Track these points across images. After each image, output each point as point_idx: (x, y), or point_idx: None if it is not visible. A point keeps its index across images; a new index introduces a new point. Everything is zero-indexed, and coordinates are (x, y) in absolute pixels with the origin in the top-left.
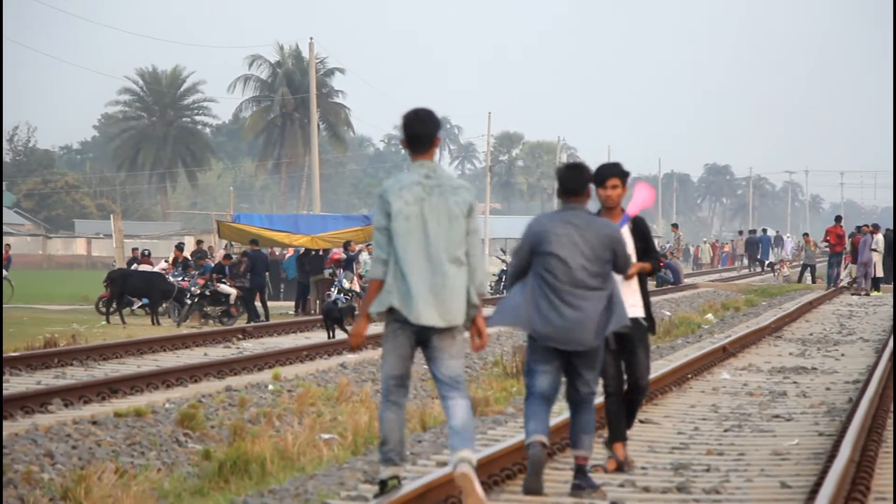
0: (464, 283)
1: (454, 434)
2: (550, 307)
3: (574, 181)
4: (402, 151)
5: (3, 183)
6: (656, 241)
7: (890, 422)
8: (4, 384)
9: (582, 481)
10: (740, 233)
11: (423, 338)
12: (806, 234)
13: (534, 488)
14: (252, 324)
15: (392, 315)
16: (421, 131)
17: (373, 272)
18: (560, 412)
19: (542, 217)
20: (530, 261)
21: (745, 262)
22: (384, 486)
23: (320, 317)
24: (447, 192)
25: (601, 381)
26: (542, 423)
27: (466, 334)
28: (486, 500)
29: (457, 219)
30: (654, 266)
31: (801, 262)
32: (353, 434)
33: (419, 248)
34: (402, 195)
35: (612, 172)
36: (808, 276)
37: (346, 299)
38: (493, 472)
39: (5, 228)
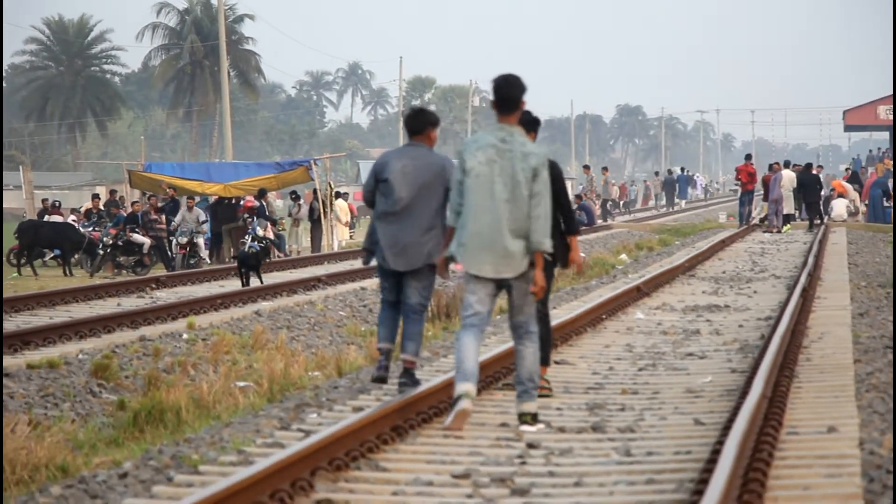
0: (523, 243)
1: (518, 383)
2: (387, 231)
3: (415, 122)
4: (315, 98)
5: None
6: (570, 183)
7: (801, 357)
8: None
9: (406, 379)
10: (656, 173)
11: (502, 284)
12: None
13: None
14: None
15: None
16: (509, 95)
17: (448, 220)
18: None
19: (386, 152)
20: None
21: (664, 202)
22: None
23: (234, 265)
24: (517, 157)
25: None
26: (390, 330)
27: None
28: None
29: (520, 184)
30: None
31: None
32: (269, 381)
33: (483, 205)
34: (477, 155)
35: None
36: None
37: (260, 247)
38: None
39: None
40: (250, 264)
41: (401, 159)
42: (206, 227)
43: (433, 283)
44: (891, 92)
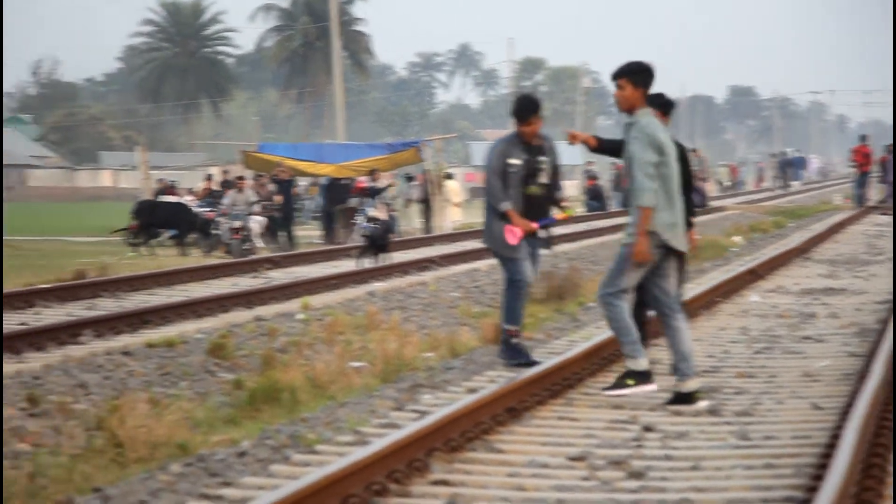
0: None
1: (682, 360)
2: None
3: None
4: (425, 79)
5: (30, 115)
6: None
7: None
8: (36, 315)
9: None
10: (772, 155)
11: (663, 259)
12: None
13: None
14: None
15: (653, 238)
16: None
17: (648, 200)
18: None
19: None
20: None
21: (778, 182)
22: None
23: (346, 246)
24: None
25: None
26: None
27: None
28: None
29: (678, 161)
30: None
31: None
32: (383, 362)
33: (675, 185)
34: (666, 139)
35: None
36: None
37: (375, 227)
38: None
39: (33, 161)
40: (381, 243)
41: None
42: (257, 208)
43: (504, 263)
44: None
